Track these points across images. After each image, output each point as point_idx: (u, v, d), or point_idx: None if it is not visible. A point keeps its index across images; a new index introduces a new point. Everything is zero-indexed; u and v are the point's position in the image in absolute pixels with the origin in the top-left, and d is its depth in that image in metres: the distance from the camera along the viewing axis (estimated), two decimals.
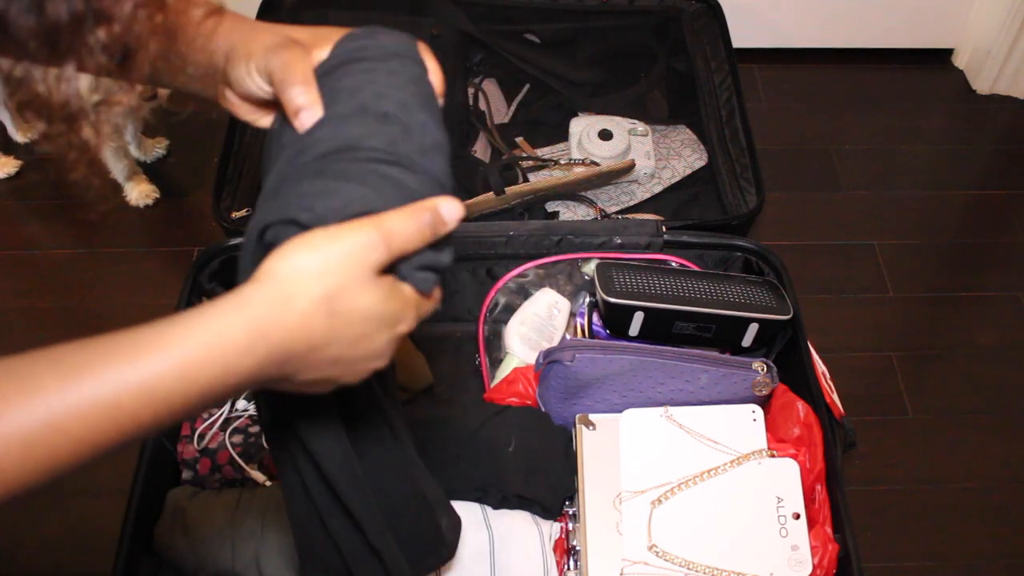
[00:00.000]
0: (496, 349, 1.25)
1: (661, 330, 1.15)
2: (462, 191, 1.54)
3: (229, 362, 0.49)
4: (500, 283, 1.26)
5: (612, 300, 1.13)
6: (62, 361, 0.47)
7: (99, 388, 0.47)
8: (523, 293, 1.26)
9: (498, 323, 1.25)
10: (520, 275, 1.26)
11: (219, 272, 1.20)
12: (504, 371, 1.20)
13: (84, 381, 0.46)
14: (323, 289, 0.50)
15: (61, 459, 0.47)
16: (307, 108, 0.59)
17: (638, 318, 1.14)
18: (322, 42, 0.66)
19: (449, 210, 0.55)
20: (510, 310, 1.25)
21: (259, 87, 0.62)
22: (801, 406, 1.08)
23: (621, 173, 1.55)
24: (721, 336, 1.16)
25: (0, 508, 0.46)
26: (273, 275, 0.50)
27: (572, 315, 1.25)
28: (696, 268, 1.25)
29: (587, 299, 1.24)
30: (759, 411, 1.07)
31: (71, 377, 0.46)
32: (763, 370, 1.08)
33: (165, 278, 1.70)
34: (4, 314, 1.66)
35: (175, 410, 0.49)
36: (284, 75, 0.60)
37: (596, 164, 1.55)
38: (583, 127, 1.61)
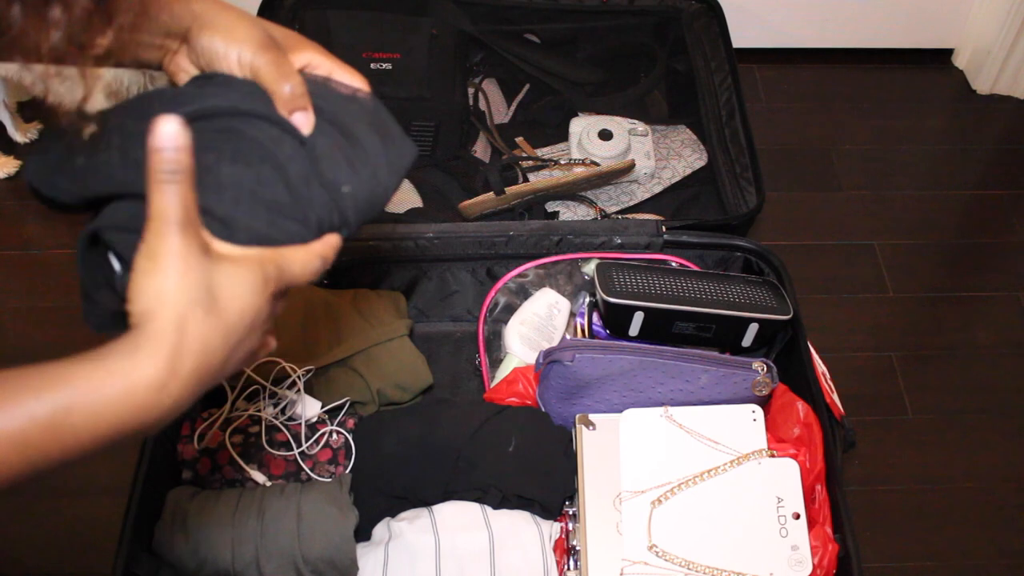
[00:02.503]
0: (496, 349, 1.25)
1: (661, 330, 1.15)
2: (462, 191, 1.54)
3: (141, 401, 0.51)
4: (500, 283, 1.26)
5: (612, 300, 1.13)
6: None
7: (6, 422, 0.48)
8: (523, 293, 1.26)
9: (498, 323, 1.25)
10: (520, 275, 1.26)
11: None
12: (504, 371, 1.20)
13: None
14: (185, 299, 0.52)
15: None
16: (306, 110, 0.62)
17: (638, 318, 1.14)
18: (295, 47, 0.67)
19: (163, 136, 0.52)
20: (510, 310, 1.25)
21: (232, 71, 0.63)
22: (801, 406, 1.08)
23: (621, 173, 1.55)
24: (721, 336, 1.16)
25: None
26: (140, 314, 0.52)
27: (572, 315, 1.25)
28: (696, 268, 1.25)
29: (587, 299, 1.24)
30: (759, 411, 1.07)
31: None
32: (763, 370, 1.08)
33: None
34: (4, 314, 1.66)
35: (84, 446, 0.50)
36: (278, 74, 0.62)
37: (596, 164, 1.55)
38: (583, 127, 1.61)
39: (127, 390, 0.50)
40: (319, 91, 0.63)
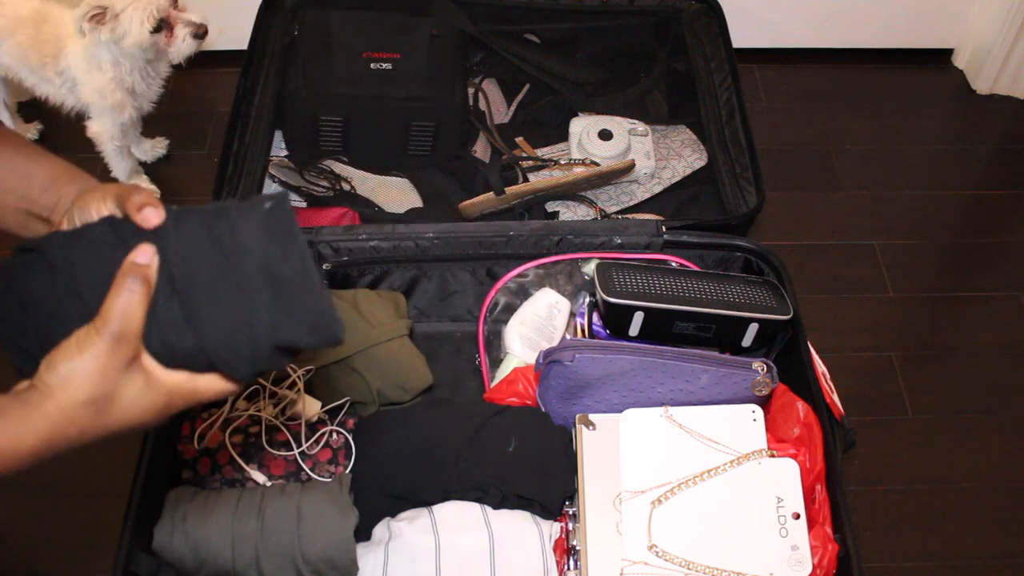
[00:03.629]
0: (496, 349, 1.25)
1: (661, 330, 1.15)
2: (462, 191, 1.54)
3: (14, 450, 0.60)
4: (500, 283, 1.26)
5: (612, 300, 1.13)
6: None
7: None
8: (523, 293, 1.26)
9: (498, 323, 1.25)
10: (520, 275, 1.26)
11: None
12: (504, 371, 1.20)
13: None
14: (85, 395, 0.60)
15: None
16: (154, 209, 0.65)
17: (638, 318, 1.14)
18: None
19: (141, 253, 0.62)
20: (510, 310, 1.25)
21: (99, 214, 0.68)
22: (801, 406, 1.08)
23: (621, 173, 1.55)
24: (721, 336, 1.16)
25: None
26: (47, 388, 0.60)
27: (572, 315, 1.25)
28: (696, 268, 1.25)
29: (587, 299, 1.24)
30: (759, 411, 1.07)
31: None
32: (763, 370, 1.08)
33: None
34: None
35: None
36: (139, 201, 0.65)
37: (596, 164, 1.55)
38: (583, 127, 1.61)
39: (11, 443, 0.60)
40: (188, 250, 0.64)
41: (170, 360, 0.62)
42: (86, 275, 0.62)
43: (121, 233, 0.63)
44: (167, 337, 0.62)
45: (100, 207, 0.66)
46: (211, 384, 0.64)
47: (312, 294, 0.62)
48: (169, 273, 0.62)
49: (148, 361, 0.63)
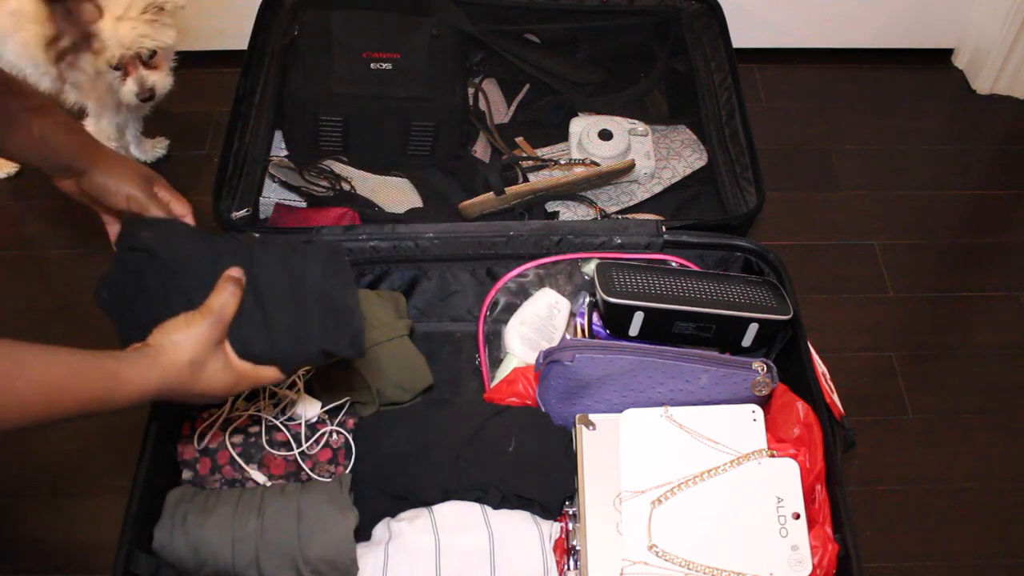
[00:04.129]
0: (496, 349, 1.25)
1: (661, 330, 1.15)
2: (462, 191, 1.54)
3: (142, 389, 0.80)
4: (500, 283, 1.26)
5: (612, 300, 1.13)
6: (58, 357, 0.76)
7: (63, 380, 0.75)
8: (523, 293, 1.26)
9: (498, 323, 1.25)
10: (520, 275, 1.26)
11: None
12: (504, 371, 1.20)
13: (65, 372, 0.76)
14: (188, 357, 0.82)
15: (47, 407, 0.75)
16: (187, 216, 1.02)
17: (638, 318, 1.14)
18: (158, 183, 1.01)
19: (236, 270, 0.86)
20: (510, 310, 1.25)
21: (119, 203, 0.98)
22: (801, 406, 1.08)
23: (621, 173, 1.55)
24: (721, 336, 1.16)
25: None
26: (160, 348, 0.81)
27: (572, 315, 1.25)
28: (696, 268, 1.25)
29: (587, 299, 1.24)
30: (759, 411, 1.07)
31: (59, 367, 0.76)
32: (763, 370, 1.08)
33: None
34: (4, 314, 1.66)
35: (92, 406, 0.77)
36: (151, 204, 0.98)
37: (596, 164, 1.55)
38: (583, 127, 1.61)
39: (127, 388, 0.79)
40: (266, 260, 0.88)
41: (243, 353, 0.84)
42: (194, 278, 0.83)
43: (219, 250, 0.86)
44: (246, 334, 0.83)
45: (126, 187, 0.96)
46: (269, 373, 0.87)
47: (353, 316, 0.87)
48: (254, 288, 0.84)
49: (228, 349, 0.84)
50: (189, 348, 0.81)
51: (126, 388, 0.78)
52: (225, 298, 0.84)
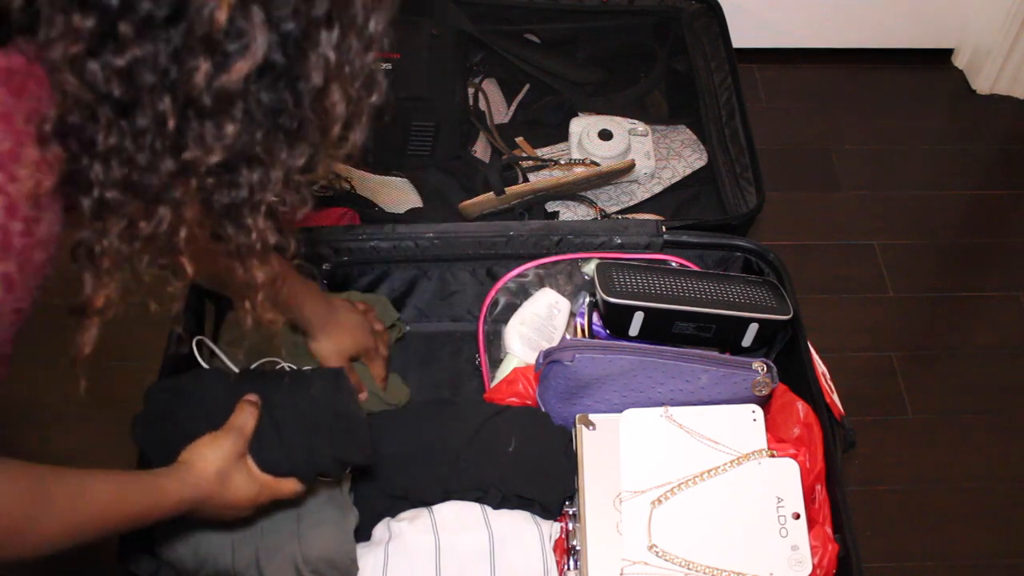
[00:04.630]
0: (496, 349, 1.25)
1: (661, 330, 1.15)
2: (462, 191, 1.54)
3: (179, 498, 0.86)
4: (500, 283, 1.26)
5: (612, 300, 1.13)
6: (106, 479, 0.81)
7: (114, 500, 0.81)
8: (523, 293, 1.26)
9: (498, 323, 1.25)
10: (520, 275, 1.26)
11: None
12: (504, 371, 1.20)
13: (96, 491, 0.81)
14: (215, 469, 0.88)
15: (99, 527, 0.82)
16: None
17: (638, 318, 1.14)
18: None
19: (252, 396, 0.95)
20: (510, 310, 1.25)
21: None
22: (801, 406, 1.08)
23: (621, 173, 1.55)
24: (721, 336, 1.16)
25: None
26: (190, 463, 0.88)
27: (572, 315, 1.25)
28: (696, 268, 1.25)
29: (587, 299, 1.24)
30: (759, 411, 1.07)
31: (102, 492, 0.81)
32: (763, 370, 1.08)
33: (164, 281, 1.69)
34: None
35: (137, 520, 0.83)
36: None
37: (596, 164, 1.55)
38: (583, 127, 1.61)
39: (168, 499, 0.85)
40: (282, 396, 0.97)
41: (264, 467, 0.92)
42: (215, 408, 0.93)
43: (241, 384, 0.97)
44: (264, 451, 0.92)
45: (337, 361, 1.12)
46: (289, 485, 0.93)
47: (361, 428, 0.96)
48: (269, 411, 0.93)
49: (250, 462, 0.91)
50: (216, 460, 0.88)
51: (168, 499, 0.84)
52: (244, 416, 0.92)
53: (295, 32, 0.58)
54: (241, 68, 0.57)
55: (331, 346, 1.11)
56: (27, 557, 0.76)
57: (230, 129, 0.59)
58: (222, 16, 0.55)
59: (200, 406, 0.95)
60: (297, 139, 0.63)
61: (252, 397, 0.94)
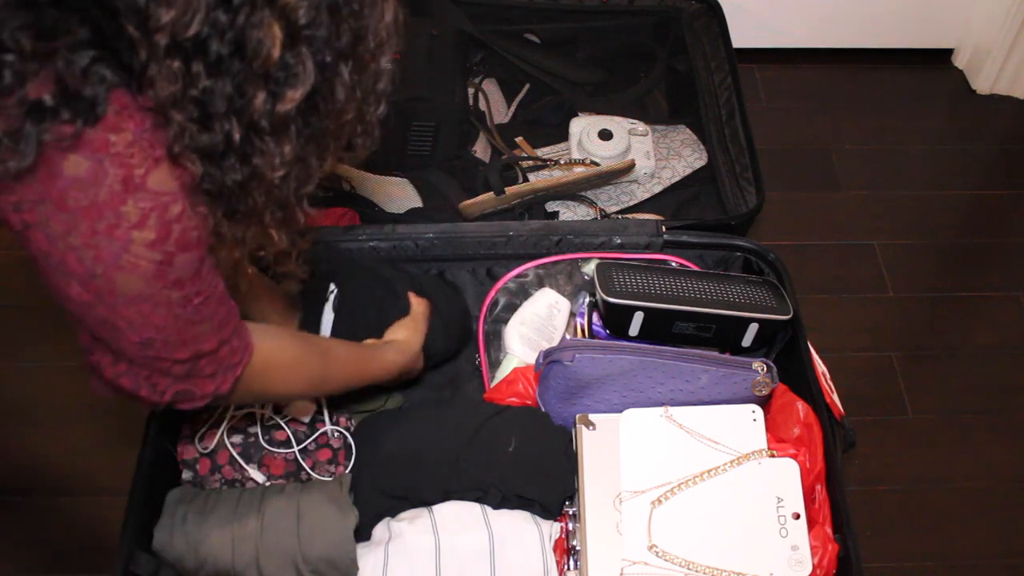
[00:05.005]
0: (496, 349, 1.25)
1: (661, 330, 1.15)
2: (462, 191, 1.54)
3: (394, 370, 1.08)
4: (500, 283, 1.26)
5: (612, 300, 1.13)
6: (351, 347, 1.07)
7: (340, 352, 1.04)
8: (523, 293, 1.26)
9: (498, 323, 1.25)
10: (520, 275, 1.26)
11: None
12: (504, 371, 1.20)
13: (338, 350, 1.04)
14: (416, 347, 1.12)
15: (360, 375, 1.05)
16: None
17: (638, 318, 1.14)
18: None
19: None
20: (510, 310, 1.25)
21: None
22: (801, 406, 1.08)
23: (621, 173, 1.55)
24: (721, 336, 1.16)
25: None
26: (404, 341, 1.11)
27: (572, 315, 1.25)
28: (696, 268, 1.25)
29: (587, 299, 1.24)
30: (759, 411, 1.07)
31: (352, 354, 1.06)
32: (763, 370, 1.08)
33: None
34: (5, 313, 1.66)
35: (371, 381, 1.06)
36: None
37: (596, 164, 1.55)
38: (583, 127, 1.61)
39: (392, 365, 1.08)
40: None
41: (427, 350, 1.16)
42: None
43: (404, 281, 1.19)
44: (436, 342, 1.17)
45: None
46: (421, 362, 1.16)
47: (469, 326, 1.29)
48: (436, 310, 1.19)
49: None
50: (416, 341, 1.12)
51: (393, 366, 1.07)
52: (423, 308, 1.16)
53: (328, 61, 0.69)
54: (294, 96, 0.68)
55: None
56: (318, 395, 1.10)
57: (287, 148, 0.71)
58: (275, 54, 0.65)
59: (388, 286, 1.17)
60: (324, 147, 0.77)
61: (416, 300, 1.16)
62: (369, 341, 1.11)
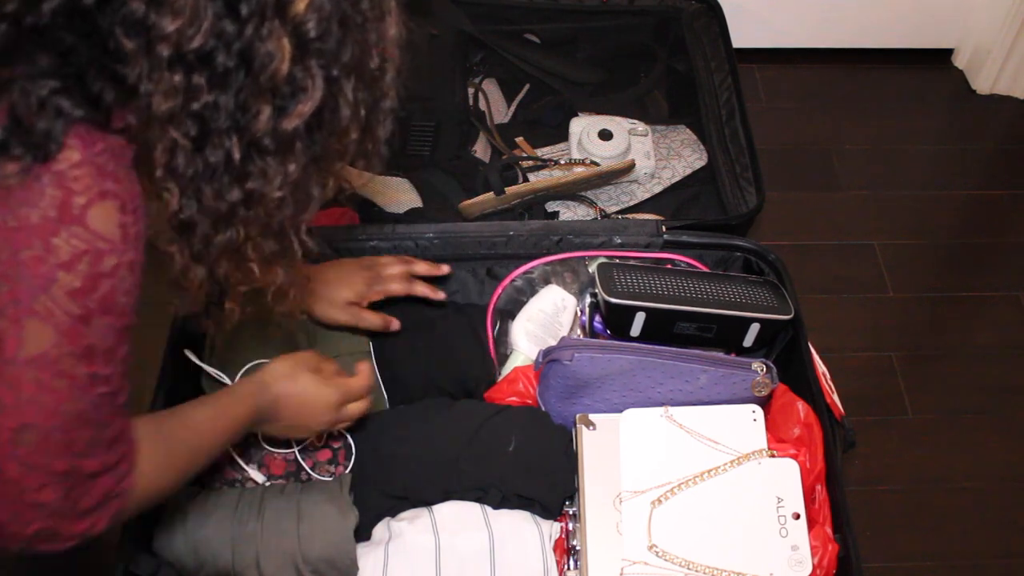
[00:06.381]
0: (501, 345, 1.24)
1: (663, 331, 1.15)
2: (462, 191, 1.54)
3: (248, 408, 0.92)
4: (503, 283, 1.26)
5: (613, 301, 1.13)
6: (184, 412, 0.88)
7: (198, 420, 0.88)
8: (529, 290, 1.26)
9: (503, 320, 1.25)
10: (526, 272, 1.26)
11: None
12: (510, 367, 1.20)
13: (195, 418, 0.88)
14: (286, 368, 0.96)
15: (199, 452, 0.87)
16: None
17: (639, 318, 1.14)
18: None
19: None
20: (516, 307, 1.24)
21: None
22: (801, 406, 1.08)
23: (621, 173, 1.55)
24: (722, 336, 1.16)
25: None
26: (260, 378, 0.95)
27: (578, 312, 1.25)
28: (699, 267, 1.25)
29: (588, 299, 1.24)
30: (759, 411, 1.07)
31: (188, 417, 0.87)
32: (763, 370, 1.08)
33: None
34: None
35: (222, 437, 0.89)
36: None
37: (596, 164, 1.55)
38: (583, 127, 1.61)
39: (241, 404, 0.92)
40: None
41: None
42: None
43: None
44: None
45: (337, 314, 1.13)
46: (361, 380, 1.02)
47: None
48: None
49: (325, 372, 1.01)
50: (284, 363, 0.98)
51: (244, 404, 0.91)
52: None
53: (336, 76, 0.67)
54: (302, 111, 0.65)
55: (327, 302, 1.10)
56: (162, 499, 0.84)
57: (291, 167, 0.68)
58: (284, 67, 0.62)
59: None
60: (326, 169, 0.74)
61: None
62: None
